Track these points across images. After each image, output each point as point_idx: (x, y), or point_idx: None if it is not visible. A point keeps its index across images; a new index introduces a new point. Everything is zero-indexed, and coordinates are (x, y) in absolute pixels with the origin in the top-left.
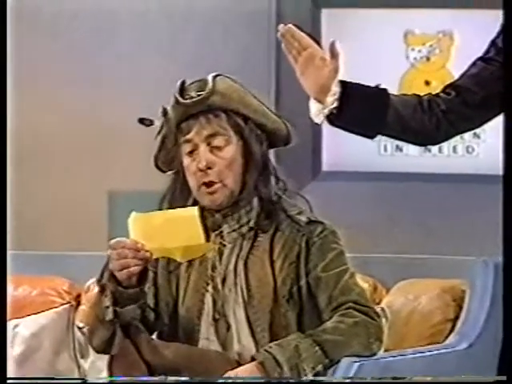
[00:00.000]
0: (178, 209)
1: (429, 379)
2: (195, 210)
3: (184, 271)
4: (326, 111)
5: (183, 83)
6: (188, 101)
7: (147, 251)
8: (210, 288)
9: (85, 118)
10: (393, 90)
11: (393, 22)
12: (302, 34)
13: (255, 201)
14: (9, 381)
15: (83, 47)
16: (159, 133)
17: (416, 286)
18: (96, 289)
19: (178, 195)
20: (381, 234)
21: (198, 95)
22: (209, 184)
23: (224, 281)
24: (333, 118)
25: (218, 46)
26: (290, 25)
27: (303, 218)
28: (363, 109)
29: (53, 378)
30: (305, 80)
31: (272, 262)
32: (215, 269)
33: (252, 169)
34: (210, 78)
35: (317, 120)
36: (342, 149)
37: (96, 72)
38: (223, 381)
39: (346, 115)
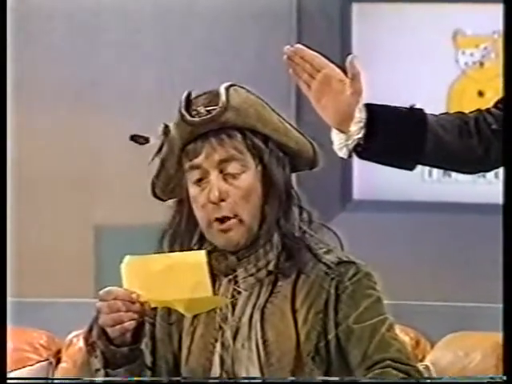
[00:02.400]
0: (182, 253)
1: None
2: (203, 256)
3: (189, 324)
4: (351, 143)
5: (189, 95)
6: (196, 119)
7: (144, 303)
8: (218, 344)
9: (66, 145)
10: (440, 102)
11: (439, 20)
12: (314, 53)
13: (276, 238)
14: (9, 381)
15: (62, 54)
16: (157, 153)
17: (467, 339)
18: (80, 345)
19: (183, 230)
20: (424, 277)
21: (208, 111)
22: (222, 220)
23: (236, 334)
24: (360, 151)
25: (225, 50)
26: (299, 45)
27: (332, 258)
28: (396, 136)
29: (52, 378)
30: (322, 108)
31: (294, 312)
32: (226, 320)
33: (273, 199)
34: (222, 89)
35: (341, 154)
36: (377, 173)
37: (78, 86)
38: (224, 381)
39: (375, 146)
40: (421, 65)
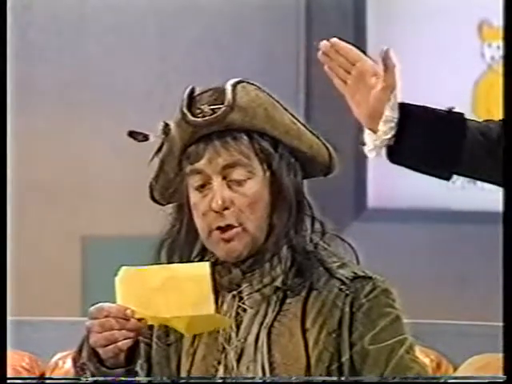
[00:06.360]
0: (184, 264)
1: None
2: (207, 268)
3: (189, 345)
4: (380, 143)
5: (192, 92)
6: (199, 119)
7: (140, 320)
8: (221, 367)
9: (49, 151)
10: (464, 100)
11: (462, 9)
12: (348, 45)
13: (284, 251)
14: (9, 381)
15: (42, 50)
16: (157, 153)
17: (493, 363)
18: (67, 367)
19: (183, 240)
20: (447, 294)
21: (212, 110)
22: (225, 228)
23: (240, 356)
24: (390, 153)
25: (228, 45)
26: (335, 38)
27: (347, 273)
28: (430, 140)
29: (53, 378)
30: (356, 105)
31: (304, 332)
32: (229, 341)
33: (282, 209)
34: (228, 86)
35: (370, 155)
36: (394, 180)
37: (61, 85)
38: (224, 381)
39: (406, 149)
40: (442, 59)
